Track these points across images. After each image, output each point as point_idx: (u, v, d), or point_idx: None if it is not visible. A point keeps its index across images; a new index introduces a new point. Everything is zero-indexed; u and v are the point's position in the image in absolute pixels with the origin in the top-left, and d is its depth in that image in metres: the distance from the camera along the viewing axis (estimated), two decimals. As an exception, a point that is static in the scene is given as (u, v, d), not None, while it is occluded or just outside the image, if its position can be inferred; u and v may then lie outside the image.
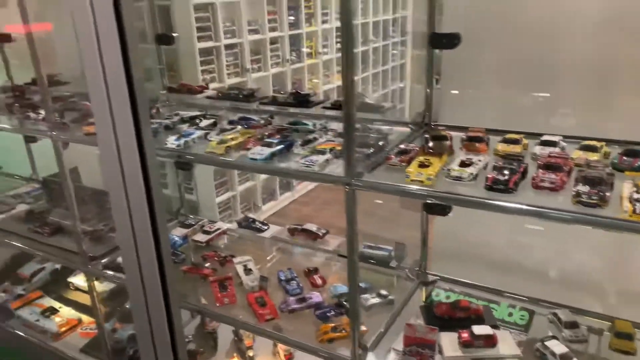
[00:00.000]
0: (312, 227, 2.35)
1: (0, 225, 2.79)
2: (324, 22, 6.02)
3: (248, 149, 1.78)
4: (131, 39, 1.62)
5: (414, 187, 1.44)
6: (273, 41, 5.37)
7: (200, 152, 1.82)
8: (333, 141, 1.78)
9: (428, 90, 1.95)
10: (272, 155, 1.70)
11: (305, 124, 1.98)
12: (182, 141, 1.87)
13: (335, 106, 2.00)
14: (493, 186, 1.36)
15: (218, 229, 2.55)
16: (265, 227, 2.47)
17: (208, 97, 2.28)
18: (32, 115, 2.39)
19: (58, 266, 3.24)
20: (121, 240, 1.93)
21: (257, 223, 2.48)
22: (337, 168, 1.60)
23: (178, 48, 4.49)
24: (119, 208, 1.84)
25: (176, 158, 1.86)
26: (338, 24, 6.19)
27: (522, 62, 2.03)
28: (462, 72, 2.07)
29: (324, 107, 2.02)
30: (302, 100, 2.06)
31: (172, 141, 1.87)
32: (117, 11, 1.59)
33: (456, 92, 2.12)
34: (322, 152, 1.64)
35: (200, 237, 2.50)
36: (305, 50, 5.80)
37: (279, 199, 5.81)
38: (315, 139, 1.80)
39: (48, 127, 2.14)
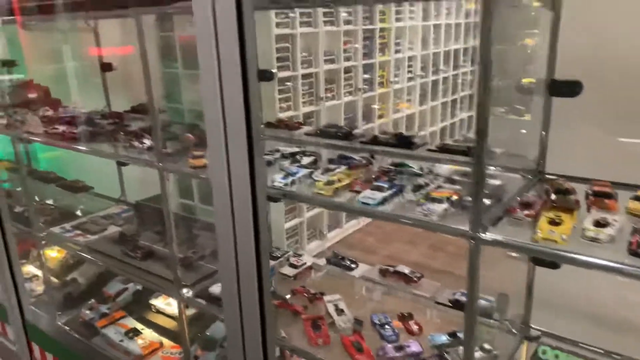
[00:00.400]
0: (405, 269, 2.29)
1: (94, 246, 2.91)
2: (396, 51, 6.02)
3: (356, 191, 1.76)
4: (252, 74, 1.66)
5: (548, 247, 1.36)
6: (347, 70, 5.42)
7: (308, 193, 1.82)
8: (444, 187, 1.73)
9: (544, 132, 1.86)
10: (384, 200, 1.67)
11: (410, 167, 1.95)
12: (289, 180, 1.87)
13: (441, 149, 1.95)
14: (639, 251, 1.27)
15: (305, 263, 2.54)
16: (354, 266, 2.44)
17: (307, 134, 2.29)
18: (136, 144, 2.48)
19: (140, 287, 3.33)
20: (223, 274, 1.95)
21: (346, 260, 2.46)
22: (455, 218, 1.55)
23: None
24: (225, 241, 1.87)
25: (282, 197, 1.87)
26: (410, 53, 6.23)
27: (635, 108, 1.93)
28: (566, 117, 1.98)
29: (429, 150, 1.97)
30: (405, 141, 2.03)
31: (279, 179, 1.89)
32: (241, 45, 1.64)
33: (560, 137, 2.02)
34: (439, 201, 1.59)
35: (288, 271, 2.49)
36: (377, 78, 5.81)
37: (344, 227, 5.78)
38: (426, 184, 1.75)
39: (156, 158, 2.21)
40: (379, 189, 1.72)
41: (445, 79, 7.08)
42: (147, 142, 2.46)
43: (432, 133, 7.02)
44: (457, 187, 1.72)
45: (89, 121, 3.00)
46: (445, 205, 1.57)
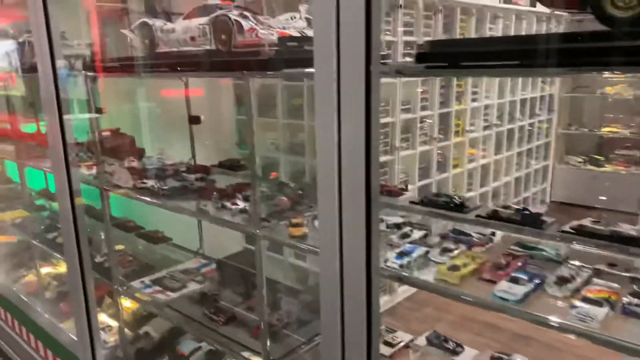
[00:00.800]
0: (519, 359, 2.02)
1: (175, 305, 2.80)
2: (473, 100, 5.82)
3: (486, 281, 1.56)
4: (374, 143, 1.52)
5: None
6: (422, 119, 5.25)
7: (429, 279, 1.63)
8: (597, 284, 1.49)
9: None
10: (526, 295, 1.45)
11: (542, 250, 1.72)
12: (404, 260, 1.69)
13: (579, 232, 1.72)
14: None
15: (401, 341, 2.32)
16: (460, 350, 2.19)
17: (412, 202, 2.11)
18: (228, 205, 2.38)
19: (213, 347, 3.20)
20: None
21: (449, 343, 2.21)
22: (617, 326, 1.30)
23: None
24: (331, 327, 1.69)
25: (398, 280, 1.68)
26: (487, 102, 6.01)
27: None
28: None
29: (564, 232, 1.74)
30: (532, 219, 1.80)
31: (393, 259, 1.71)
32: (367, 114, 1.51)
33: None
34: (597, 303, 1.35)
35: (384, 350, 2.27)
36: (452, 127, 5.61)
37: (415, 282, 5.48)
38: (572, 277, 1.52)
39: (253, 225, 2.09)
40: (516, 280, 1.51)
41: (520, 127, 6.76)
42: (240, 203, 2.36)
43: (507, 183, 6.67)
44: (612, 284, 1.47)
45: (176, 175, 2.97)
46: (605, 310, 1.33)
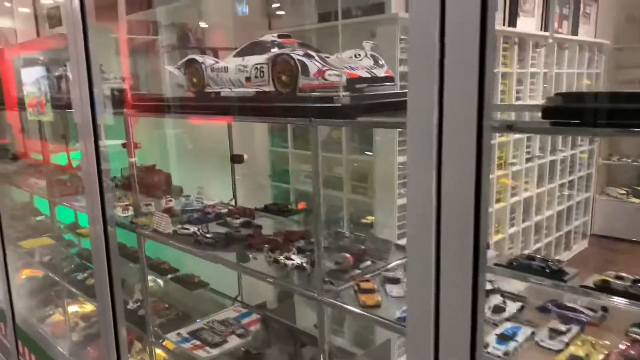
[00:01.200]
0: None
1: (218, 366, 2.55)
2: (515, 131, 5.54)
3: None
4: (484, 199, 1.26)
5: None
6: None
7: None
8: None
9: None
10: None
11: (674, 335, 1.44)
12: (510, 346, 1.42)
13: None
14: None
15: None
16: None
17: (497, 265, 1.84)
18: (281, 259, 2.14)
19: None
20: None
21: None
22: None
23: (375, 163, 4.33)
24: None
25: (501, 369, 1.42)
26: (529, 133, 5.72)
27: None
28: None
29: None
30: (655, 294, 1.53)
31: (494, 344, 1.44)
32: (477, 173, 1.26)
33: None
34: None
35: None
36: (495, 160, 5.33)
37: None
38: None
39: (316, 289, 1.84)
40: (662, 382, 1.23)
41: (562, 158, 6.45)
42: (296, 258, 2.12)
43: (549, 217, 6.33)
44: None
45: (218, 218, 2.75)
46: None
